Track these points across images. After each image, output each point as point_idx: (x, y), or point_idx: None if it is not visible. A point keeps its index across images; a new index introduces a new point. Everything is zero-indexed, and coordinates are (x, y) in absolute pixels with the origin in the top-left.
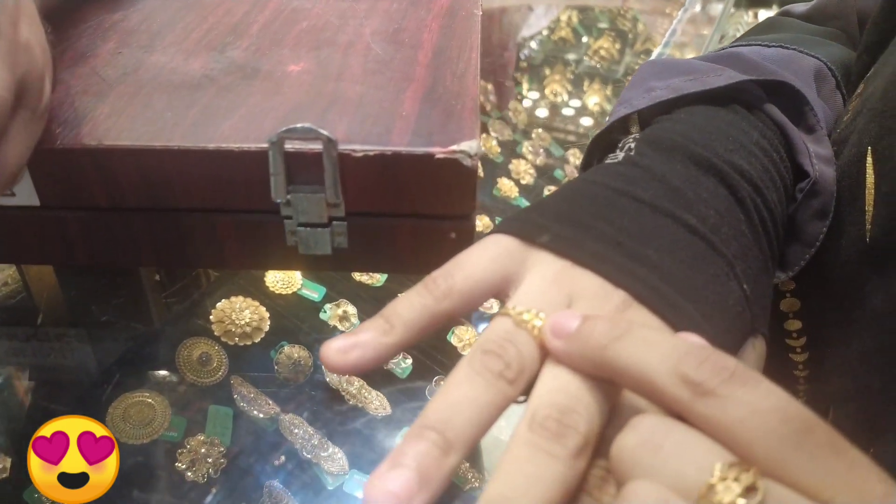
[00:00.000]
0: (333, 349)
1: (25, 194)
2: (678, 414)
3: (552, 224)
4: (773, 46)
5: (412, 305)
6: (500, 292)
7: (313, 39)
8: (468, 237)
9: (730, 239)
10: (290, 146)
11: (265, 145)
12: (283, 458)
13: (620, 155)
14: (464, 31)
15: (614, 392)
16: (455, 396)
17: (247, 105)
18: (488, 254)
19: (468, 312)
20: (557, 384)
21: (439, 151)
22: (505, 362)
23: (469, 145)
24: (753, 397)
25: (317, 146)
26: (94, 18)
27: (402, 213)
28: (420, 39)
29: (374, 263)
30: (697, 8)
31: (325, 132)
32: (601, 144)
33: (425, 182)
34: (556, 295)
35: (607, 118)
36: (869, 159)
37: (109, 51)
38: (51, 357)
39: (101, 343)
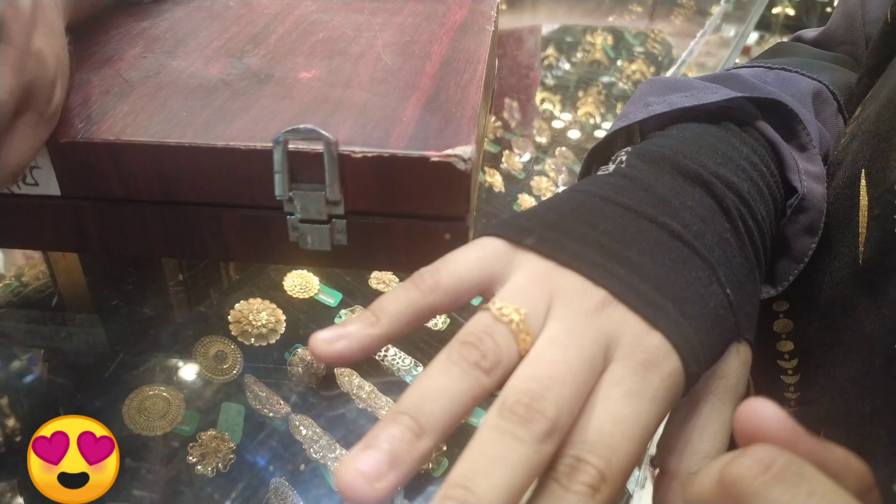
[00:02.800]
0: (320, 339)
1: (47, 184)
2: None
3: (538, 227)
4: (775, 69)
5: (398, 299)
6: (486, 290)
7: (327, 49)
8: (463, 239)
9: (713, 245)
10: (293, 146)
11: (270, 144)
12: (303, 466)
13: (611, 167)
14: (473, 44)
15: (589, 384)
16: (430, 384)
17: (257, 108)
18: (475, 253)
19: (453, 308)
20: (531, 373)
21: (434, 155)
22: (481, 353)
23: (463, 150)
24: None
25: (318, 146)
26: (124, 26)
27: (400, 213)
28: (429, 51)
29: (371, 261)
30: (732, 33)
31: (326, 133)
32: (599, 157)
33: (421, 184)
34: (538, 293)
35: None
36: (863, 181)
37: (135, 55)
38: (72, 341)
39: (123, 333)
